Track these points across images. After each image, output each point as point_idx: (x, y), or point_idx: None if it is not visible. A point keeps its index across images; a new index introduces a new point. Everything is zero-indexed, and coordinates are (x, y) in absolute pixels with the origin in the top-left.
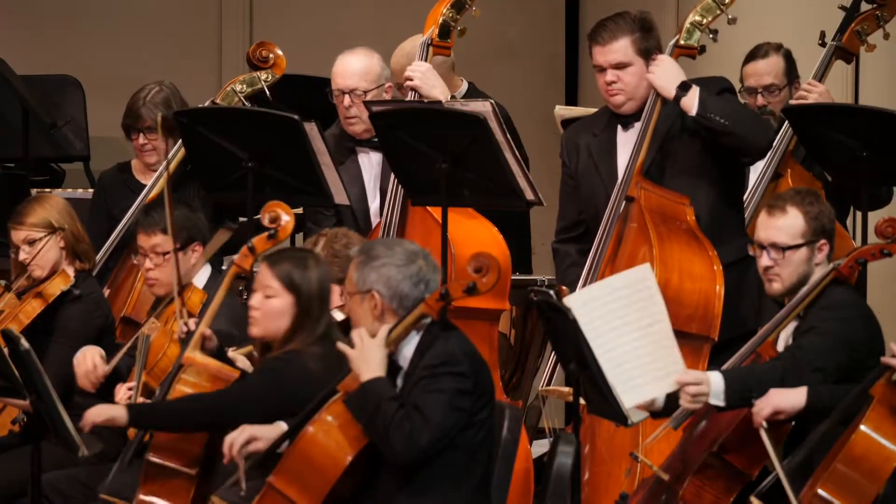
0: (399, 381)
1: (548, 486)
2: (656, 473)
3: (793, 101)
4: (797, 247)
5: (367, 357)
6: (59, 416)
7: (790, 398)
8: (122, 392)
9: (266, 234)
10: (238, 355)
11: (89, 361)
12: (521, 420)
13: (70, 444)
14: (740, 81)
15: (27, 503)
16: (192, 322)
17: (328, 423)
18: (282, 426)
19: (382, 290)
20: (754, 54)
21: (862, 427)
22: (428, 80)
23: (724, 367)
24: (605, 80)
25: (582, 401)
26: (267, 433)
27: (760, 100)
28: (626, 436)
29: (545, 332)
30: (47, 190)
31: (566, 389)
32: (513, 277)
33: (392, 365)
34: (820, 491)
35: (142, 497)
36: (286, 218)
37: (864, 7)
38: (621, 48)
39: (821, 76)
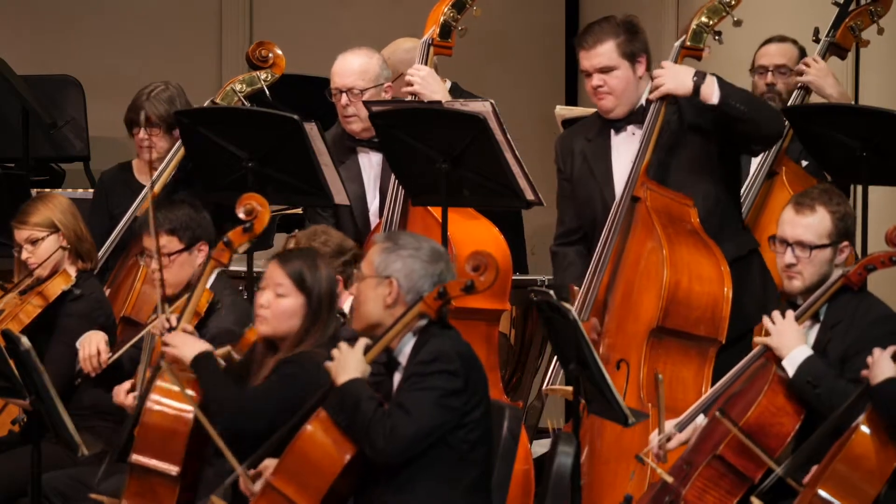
0: (397, 378)
1: (548, 486)
2: (661, 476)
3: (795, 78)
4: (823, 247)
5: (343, 363)
6: (59, 416)
7: None
8: (122, 395)
9: (241, 227)
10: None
11: (94, 345)
12: (521, 420)
13: (70, 444)
14: (751, 65)
15: (27, 503)
16: (173, 318)
17: (327, 422)
18: None
19: (402, 280)
20: (770, 40)
21: (862, 427)
22: (428, 85)
23: (735, 368)
24: (591, 84)
25: (582, 401)
26: None
27: (770, 77)
28: (634, 436)
29: (545, 332)
30: (47, 190)
31: (570, 388)
32: (513, 278)
33: (392, 362)
34: (820, 491)
35: (126, 499)
36: (260, 209)
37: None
38: (606, 52)
39: None
